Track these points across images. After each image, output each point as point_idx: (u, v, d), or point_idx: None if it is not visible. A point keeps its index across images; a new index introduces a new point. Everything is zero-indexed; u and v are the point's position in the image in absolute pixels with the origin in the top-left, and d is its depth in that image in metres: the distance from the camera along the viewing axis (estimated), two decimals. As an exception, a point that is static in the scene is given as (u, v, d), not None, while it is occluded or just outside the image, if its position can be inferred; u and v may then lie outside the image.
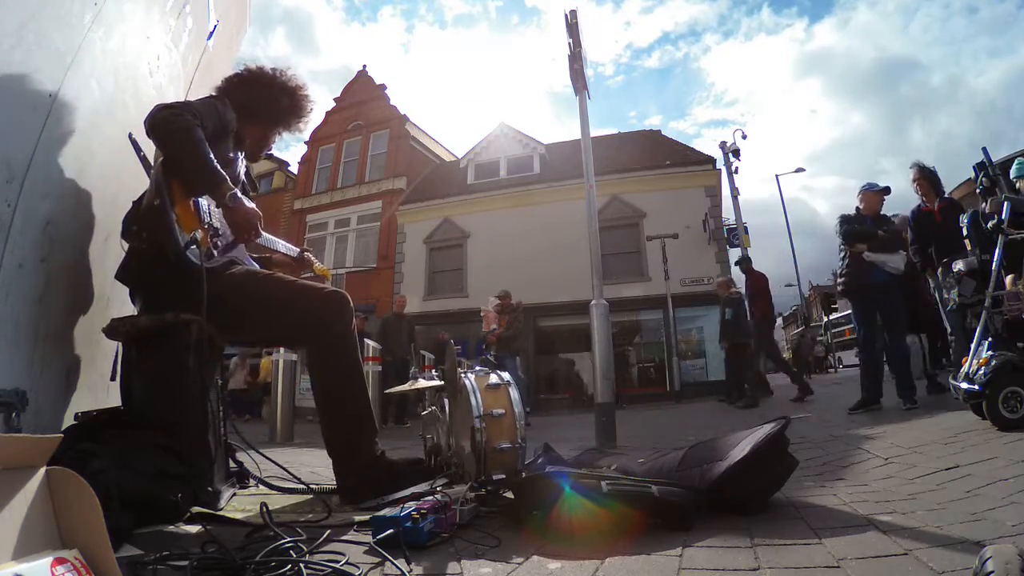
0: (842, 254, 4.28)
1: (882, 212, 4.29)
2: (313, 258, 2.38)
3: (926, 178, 4.32)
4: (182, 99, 2.15)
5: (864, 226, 4.17)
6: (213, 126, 1.74)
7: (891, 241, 4.12)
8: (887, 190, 4.30)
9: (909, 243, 4.46)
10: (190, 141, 1.61)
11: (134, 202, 1.72)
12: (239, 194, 1.73)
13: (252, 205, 1.80)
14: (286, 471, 2.01)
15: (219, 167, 1.67)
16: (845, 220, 4.26)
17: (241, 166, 2.00)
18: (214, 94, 1.96)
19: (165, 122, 1.60)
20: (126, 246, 1.72)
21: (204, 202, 1.72)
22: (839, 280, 4.35)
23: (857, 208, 4.30)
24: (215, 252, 1.72)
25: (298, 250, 2.23)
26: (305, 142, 18.43)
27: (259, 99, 1.98)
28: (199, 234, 1.64)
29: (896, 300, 4.10)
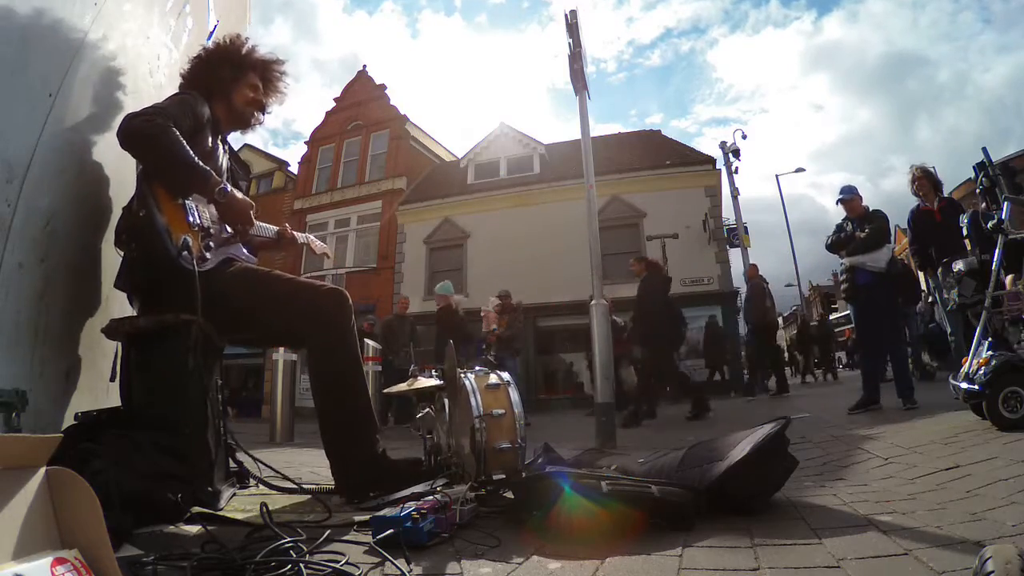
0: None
1: (873, 209, 4.33)
2: (308, 238, 2.37)
3: (927, 177, 4.33)
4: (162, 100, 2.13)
5: (840, 234, 4.33)
6: (189, 123, 1.71)
7: (870, 241, 4.15)
8: (847, 192, 4.43)
9: (909, 243, 4.48)
10: (169, 145, 1.58)
11: (124, 208, 1.72)
12: (228, 187, 1.73)
13: (241, 195, 1.79)
14: (279, 473, 2.00)
15: (202, 164, 1.66)
16: (834, 231, 4.43)
17: (223, 156, 1.97)
18: (180, 91, 1.92)
19: (139, 130, 1.58)
20: (120, 254, 1.72)
21: (192, 203, 1.72)
22: (841, 288, 4.42)
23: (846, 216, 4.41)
24: (208, 254, 1.72)
25: (275, 228, 2.19)
26: (305, 142, 18.45)
27: (208, 77, 1.94)
28: (190, 238, 1.63)
29: (885, 299, 4.12)
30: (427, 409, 2.26)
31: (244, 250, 1.95)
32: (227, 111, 1.99)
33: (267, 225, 2.13)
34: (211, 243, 1.76)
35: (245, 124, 2.06)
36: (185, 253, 1.59)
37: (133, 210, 1.64)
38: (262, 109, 2.06)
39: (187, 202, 1.70)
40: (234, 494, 1.84)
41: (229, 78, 1.97)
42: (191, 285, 1.57)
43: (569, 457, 2.38)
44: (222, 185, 1.71)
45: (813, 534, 1.29)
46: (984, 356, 2.60)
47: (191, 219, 1.69)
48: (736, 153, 13.35)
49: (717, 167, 14.24)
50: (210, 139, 1.87)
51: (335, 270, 14.85)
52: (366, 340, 6.49)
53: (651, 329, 5.81)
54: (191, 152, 1.63)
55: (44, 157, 1.54)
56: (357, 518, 1.53)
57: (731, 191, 13.37)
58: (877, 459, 2.31)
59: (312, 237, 2.43)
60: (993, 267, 2.78)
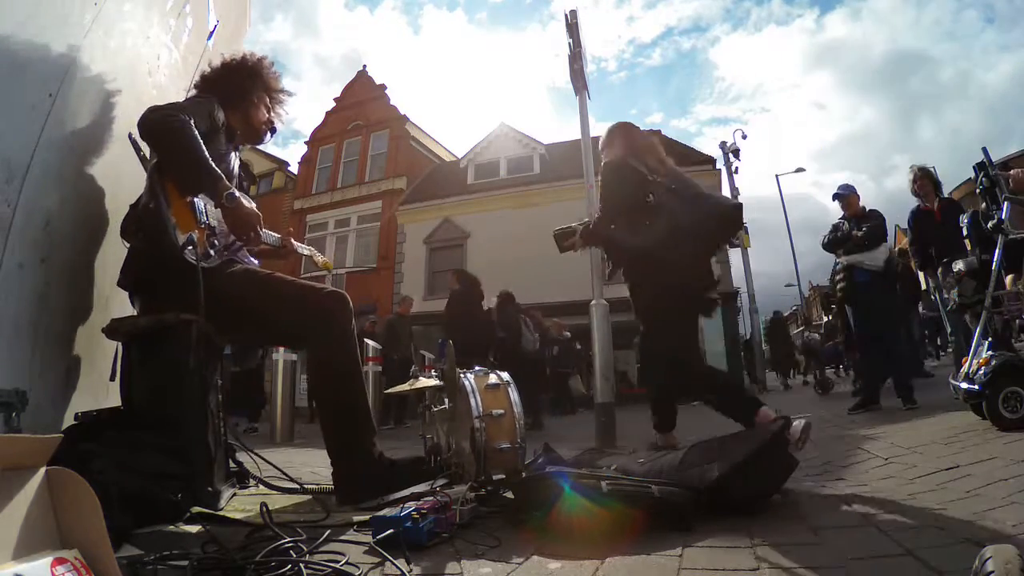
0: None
1: (870, 209, 4.31)
2: (311, 250, 2.39)
3: (927, 178, 4.33)
4: (182, 100, 2.15)
5: (837, 233, 4.28)
6: (205, 125, 1.74)
7: (868, 239, 4.12)
8: (844, 189, 4.39)
9: (909, 243, 4.48)
10: (186, 141, 1.60)
11: (131, 205, 1.73)
12: (237, 193, 1.73)
13: (251, 204, 1.80)
14: (283, 473, 2.01)
15: (215, 167, 1.67)
16: (831, 230, 4.38)
17: (235, 161, 2.00)
18: (197, 93, 1.96)
19: (159, 123, 1.60)
20: (127, 245, 1.72)
21: (200, 202, 1.72)
22: (837, 288, 4.40)
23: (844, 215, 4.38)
24: (212, 252, 1.72)
25: (278, 236, 2.21)
26: (305, 142, 18.46)
27: (227, 86, 1.98)
28: (196, 234, 1.64)
29: (882, 299, 4.10)
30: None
31: (247, 254, 1.96)
32: (243, 124, 2.03)
33: (271, 233, 2.14)
34: (216, 242, 1.76)
35: (259, 141, 2.15)
36: (190, 248, 1.60)
37: (142, 203, 1.65)
38: (274, 130, 2.14)
39: (196, 200, 1.71)
40: (234, 494, 1.84)
41: (250, 93, 2.02)
42: (194, 281, 1.57)
43: (569, 457, 2.38)
44: (231, 190, 1.71)
45: (813, 534, 1.29)
46: (984, 356, 2.60)
47: (199, 216, 1.70)
48: (736, 153, 13.34)
49: (717, 167, 14.24)
50: (224, 144, 1.89)
51: (335, 270, 14.87)
52: (367, 340, 6.49)
53: (463, 342, 5.75)
54: (206, 153, 1.65)
55: (44, 157, 1.54)
56: (357, 518, 1.53)
57: (731, 191, 13.36)
58: (877, 459, 2.31)
59: (313, 249, 2.44)
60: (993, 267, 2.77)
